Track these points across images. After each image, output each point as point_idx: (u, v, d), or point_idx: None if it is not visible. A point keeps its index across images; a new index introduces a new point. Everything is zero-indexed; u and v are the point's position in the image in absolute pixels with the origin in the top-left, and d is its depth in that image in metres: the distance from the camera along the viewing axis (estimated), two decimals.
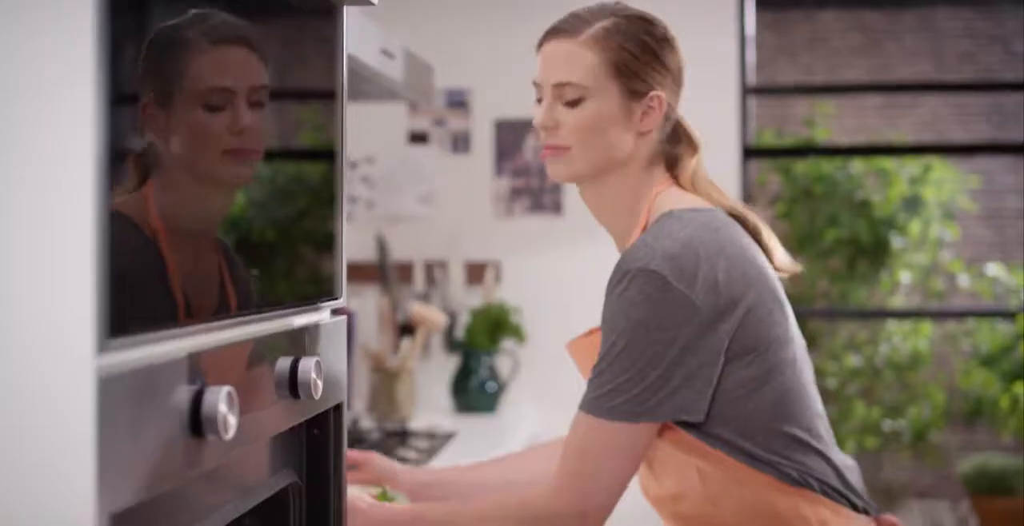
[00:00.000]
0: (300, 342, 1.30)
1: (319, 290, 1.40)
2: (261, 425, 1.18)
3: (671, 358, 1.63)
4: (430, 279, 4.04)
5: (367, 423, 3.53)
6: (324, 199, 1.43)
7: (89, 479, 0.82)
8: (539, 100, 1.77)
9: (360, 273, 3.93)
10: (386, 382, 3.70)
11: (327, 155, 1.45)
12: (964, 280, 5.09)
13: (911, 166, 5.27)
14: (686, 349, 1.62)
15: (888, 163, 5.22)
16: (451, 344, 3.91)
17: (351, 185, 4.08)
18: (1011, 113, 5.82)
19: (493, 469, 2.05)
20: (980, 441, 5.07)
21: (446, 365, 3.96)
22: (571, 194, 3.97)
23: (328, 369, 1.36)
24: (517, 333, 3.82)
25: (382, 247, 3.87)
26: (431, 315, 3.76)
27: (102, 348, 0.84)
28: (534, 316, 3.96)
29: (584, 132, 1.71)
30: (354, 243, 3.86)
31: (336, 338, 1.43)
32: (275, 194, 1.29)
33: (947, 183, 5.22)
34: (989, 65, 6.03)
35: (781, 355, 1.67)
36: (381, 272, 3.88)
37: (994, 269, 4.58)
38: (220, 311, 1.10)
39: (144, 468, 0.90)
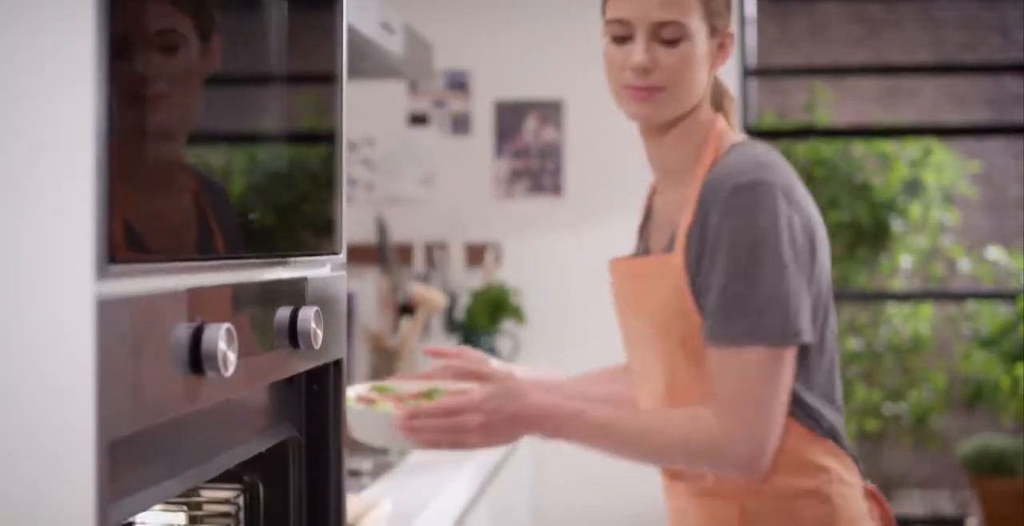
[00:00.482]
0: (300, 292, 1.30)
1: (319, 242, 1.39)
2: (261, 369, 1.18)
3: (796, 274, 1.62)
4: (430, 261, 4.03)
5: None
6: (323, 147, 1.42)
7: (88, 403, 0.82)
8: (622, 38, 1.71)
9: (360, 255, 3.92)
10: (386, 362, 3.70)
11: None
12: (965, 264, 5.09)
13: (911, 149, 5.27)
14: (802, 267, 1.63)
15: (888, 146, 5.22)
16: (451, 325, 3.91)
17: (351, 167, 4.08)
18: (1011, 102, 5.81)
19: (605, 382, 1.97)
20: (980, 426, 5.06)
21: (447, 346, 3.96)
22: (571, 175, 3.97)
23: (328, 323, 1.35)
24: (517, 314, 3.82)
25: (382, 229, 3.87)
26: (431, 295, 3.76)
27: (101, 274, 0.83)
28: (534, 297, 3.96)
29: (681, 72, 1.68)
30: (354, 225, 3.85)
31: (337, 293, 1.43)
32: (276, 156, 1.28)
33: (948, 168, 5.22)
34: (989, 56, 6.02)
35: (832, 318, 1.73)
36: (381, 253, 3.88)
37: (994, 253, 4.58)
38: (208, 250, 1.09)
39: (144, 397, 0.90)
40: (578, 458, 2.42)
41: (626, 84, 1.71)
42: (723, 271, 1.62)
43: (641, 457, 1.69)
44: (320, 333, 1.28)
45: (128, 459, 0.96)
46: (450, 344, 3.94)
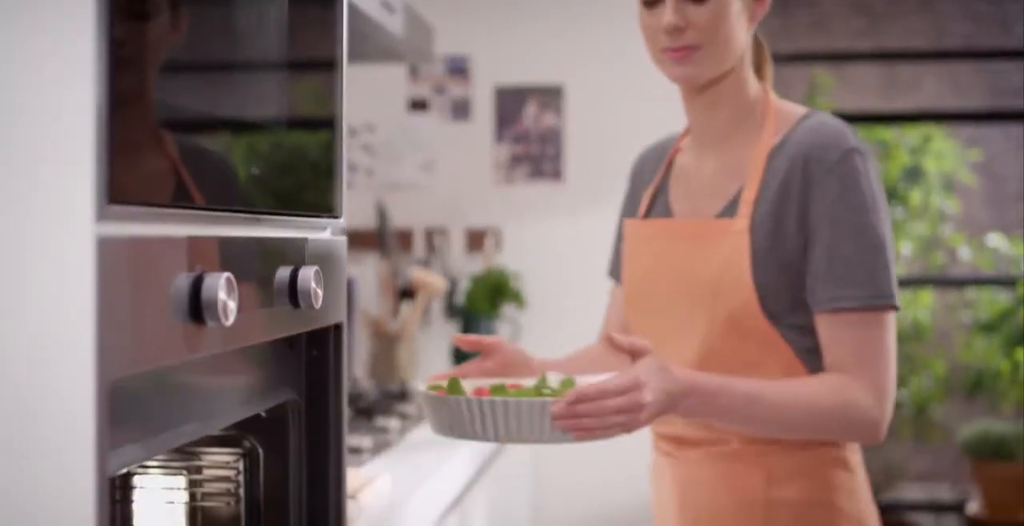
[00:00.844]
0: (300, 252, 1.30)
1: (319, 205, 1.39)
2: (261, 325, 1.17)
3: (891, 238, 1.67)
4: (430, 246, 4.03)
5: (368, 387, 3.53)
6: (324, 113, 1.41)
7: (89, 341, 0.81)
8: (651, 3, 1.71)
9: (360, 241, 3.92)
10: (386, 347, 3.70)
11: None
12: (965, 253, 5.09)
13: (911, 136, 5.26)
14: (890, 231, 1.68)
15: (888, 134, 5.21)
16: (451, 310, 3.90)
17: (351, 153, 4.07)
18: (1012, 91, 5.80)
19: (601, 360, 1.91)
20: (980, 415, 5.06)
21: (446, 332, 3.96)
22: (571, 160, 3.97)
23: (328, 285, 1.35)
24: (517, 298, 3.82)
25: (382, 214, 3.87)
26: (431, 280, 3.76)
27: (101, 214, 0.83)
28: (534, 282, 3.95)
29: (714, 29, 1.67)
30: (354, 211, 3.85)
31: (337, 256, 1.43)
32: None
33: (948, 156, 5.22)
34: (990, 50, 6.01)
35: None
36: (381, 239, 3.87)
37: (995, 239, 4.58)
38: (208, 203, 1.09)
39: (145, 340, 0.89)
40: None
41: (663, 48, 1.70)
42: (837, 236, 1.64)
43: (780, 427, 1.64)
44: (320, 293, 1.28)
45: (129, 407, 0.96)
46: (450, 331, 3.94)
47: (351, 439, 2.32)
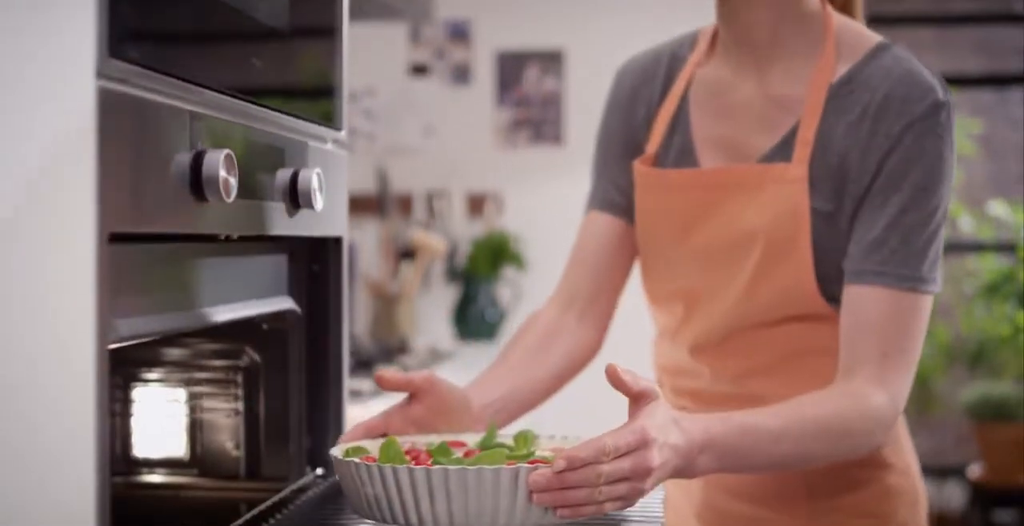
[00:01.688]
0: (302, 155, 1.29)
1: (320, 114, 1.38)
2: (261, 217, 1.17)
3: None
4: (431, 211, 4.03)
5: (368, 344, 3.53)
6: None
7: (88, 191, 0.81)
8: None
9: (361, 205, 3.92)
10: (387, 308, 3.70)
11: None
12: (966, 223, 5.08)
13: None
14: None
15: None
16: (452, 274, 3.90)
17: (352, 118, 4.07)
18: (1010, 54, 5.79)
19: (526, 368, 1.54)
20: (982, 382, 5.05)
21: (447, 296, 3.95)
22: (572, 124, 3.96)
23: (329, 194, 1.35)
24: (518, 261, 3.82)
25: (382, 178, 3.86)
26: (431, 241, 3.76)
27: (102, 66, 0.83)
28: (535, 246, 3.95)
29: None
30: (355, 176, 3.85)
31: (338, 168, 1.42)
32: None
33: None
34: (990, 32, 6.00)
35: None
36: (381, 202, 3.87)
37: (996, 208, 4.57)
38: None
39: (144, 201, 0.89)
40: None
41: None
42: (905, 203, 1.38)
43: (804, 461, 1.36)
44: (320, 196, 1.28)
45: (132, 276, 0.96)
46: (451, 294, 3.93)
47: (351, 383, 2.32)
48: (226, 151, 0.98)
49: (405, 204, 4.02)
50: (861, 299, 1.38)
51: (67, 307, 0.83)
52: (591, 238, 1.62)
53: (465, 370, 2.95)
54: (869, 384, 1.35)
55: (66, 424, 0.83)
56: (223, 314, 1.18)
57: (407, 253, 3.76)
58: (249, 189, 1.11)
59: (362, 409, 2.08)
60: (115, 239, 0.86)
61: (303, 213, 1.28)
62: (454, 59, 4.09)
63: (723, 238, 1.46)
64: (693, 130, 1.52)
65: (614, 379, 1.15)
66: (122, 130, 0.86)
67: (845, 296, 1.40)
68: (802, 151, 1.41)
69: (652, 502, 1.22)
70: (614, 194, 1.60)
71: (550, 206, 4.00)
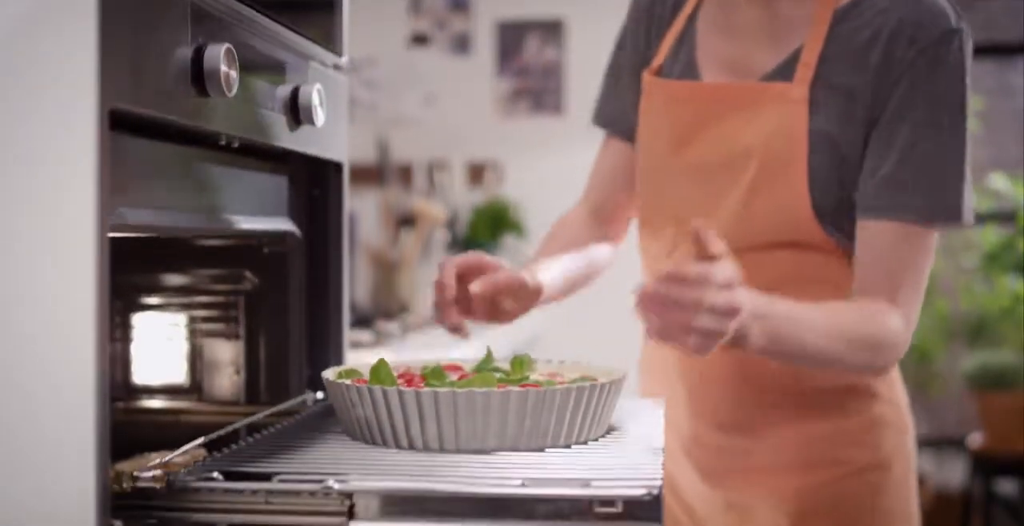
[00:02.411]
0: (303, 73, 1.29)
1: (321, 36, 1.38)
2: (263, 122, 1.17)
3: (969, 146, 1.39)
4: (431, 180, 4.03)
5: (368, 306, 3.53)
6: None
7: (91, 58, 0.81)
8: None
9: (361, 175, 3.92)
10: (387, 276, 3.70)
11: None
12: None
13: None
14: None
15: None
16: (452, 243, 3.90)
17: (352, 88, 4.07)
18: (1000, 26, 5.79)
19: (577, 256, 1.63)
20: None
21: None
22: (572, 94, 3.96)
23: (329, 114, 1.35)
24: (517, 228, 3.82)
25: (383, 148, 3.86)
26: (431, 209, 3.76)
27: None
28: (535, 215, 3.95)
29: None
30: (355, 145, 3.85)
31: (339, 92, 1.42)
32: None
33: None
34: (990, 17, 5.99)
35: None
36: (381, 171, 3.87)
37: (996, 181, 4.57)
38: None
39: (146, 83, 0.89)
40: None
41: None
42: (917, 133, 1.36)
43: (810, 356, 1.34)
44: (322, 111, 1.28)
45: (132, 168, 0.96)
46: None
47: (351, 334, 2.32)
48: (227, 45, 0.98)
49: (405, 174, 4.02)
50: (873, 234, 1.38)
51: (68, 188, 0.83)
52: (605, 161, 1.71)
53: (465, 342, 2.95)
54: (887, 307, 1.36)
55: (64, 330, 0.83)
56: (223, 223, 1.18)
57: (407, 220, 3.77)
58: (250, 92, 1.11)
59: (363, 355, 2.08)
60: (117, 125, 0.87)
61: (304, 130, 1.29)
62: (454, 29, 4.08)
63: (718, 154, 1.45)
64: (699, 46, 1.51)
65: (696, 236, 1.18)
66: (124, 7, 0.86)
67: (859, 230, 1.40)
68: (804, 72, 1.39)
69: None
70: (621, 113, 1.64)
71: (550, 175, 4.00)
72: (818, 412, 1.49)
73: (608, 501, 0.87)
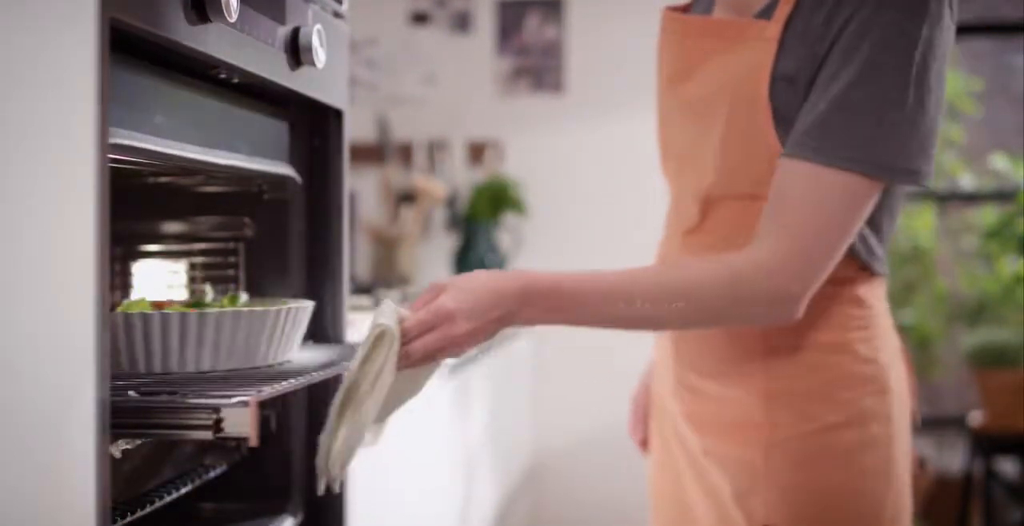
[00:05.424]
0: (303, 14, 1.29)
1: None
2: (264, 57, 1.16)
3: (936, 103, 1.33)
4: (431, 159, 4.02)
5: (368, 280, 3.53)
6: None
7: None
8: None
9: (362, 154, 3.92)
10: (387, 253, 3.70)
11: None
12: (967, 182, 5.08)
13: None
14: (942, 95, 1.33)
15: None
16: (452, 221, 3.90)
17: (353, 68, 4.05)
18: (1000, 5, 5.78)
19: None
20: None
21: (447, 243, 3.95)
22: (573, 73, 3.95)
23: (329, 59, 1.34)
24: (518, 206, 3.81)
25: (383, 127, 3.85)
26: (431, 185, 3.76)
27: None
28: (536, 194, 3.95)
29: None
30: (356, 124, 3.84)
31: (339, 39, 1.42)
32: None
33: (950, 82, 5.20)
34: (989, 5, 5.98)
35: None
36: (381, 151, 3.87)
37: (998, 162, 4.56)
38: None
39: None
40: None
41: None
42: (855, 74, 1.30)
43: (659, 322, 1.39)
44: (322, 52, 1.28)
45: (131, 91, 0.96)
46: (451, 242, 3.93)
47: (351, 300, 2.32)
48: None
49: (406, 153, 4.01)
50: (785, 172, 1.34)
51: (69, 100, 0.82)
52: None
53: None
54: (763, 253, 1.33)
55: (65, 252, 0.83)
56: (223, 158, 1.18)
57: (407, 197, 3.76)
58: (251, 25, 1.11)
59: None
60: (119, 48, 0.87)
61: (305, 71, 1.28)
62: (455, 7, 4.08)
63: (701, 91, 1.44)
64: None
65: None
66: None
67: (777, 169, 1.36)
68: (783, 10, 1.36)
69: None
70: None
71: (550, 154, 4.00)
72: (787, 367, 1.47)
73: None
